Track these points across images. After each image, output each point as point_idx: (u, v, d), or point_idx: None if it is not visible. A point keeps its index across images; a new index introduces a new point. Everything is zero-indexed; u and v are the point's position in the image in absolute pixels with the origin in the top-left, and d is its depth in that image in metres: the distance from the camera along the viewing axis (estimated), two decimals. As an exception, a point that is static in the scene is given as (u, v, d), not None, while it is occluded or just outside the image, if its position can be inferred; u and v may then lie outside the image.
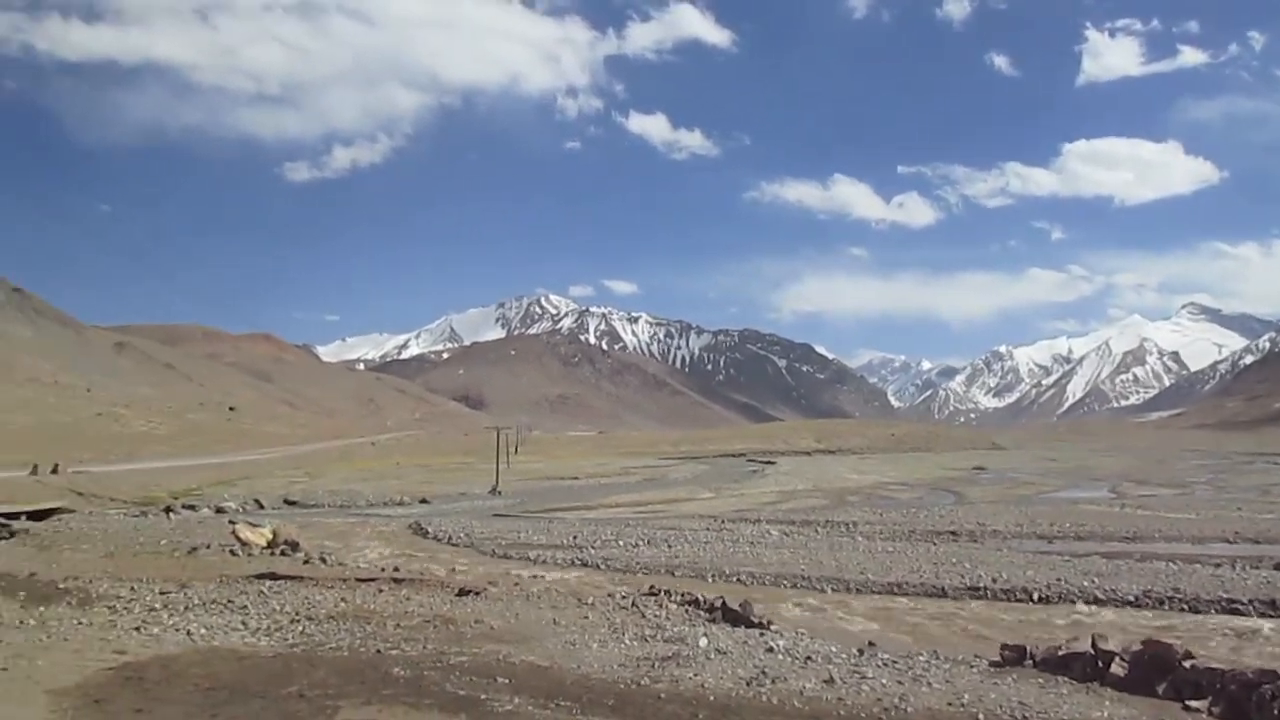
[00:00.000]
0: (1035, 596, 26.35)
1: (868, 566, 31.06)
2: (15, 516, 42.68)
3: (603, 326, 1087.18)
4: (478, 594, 22.71)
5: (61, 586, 23.82)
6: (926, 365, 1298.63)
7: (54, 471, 62.01)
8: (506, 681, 14.60)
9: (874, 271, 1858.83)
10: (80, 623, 19.07)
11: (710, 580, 28.81)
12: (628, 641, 17.90)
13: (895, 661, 16.56)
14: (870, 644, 18.46)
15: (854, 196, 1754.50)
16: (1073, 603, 25.76)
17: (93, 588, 23.70)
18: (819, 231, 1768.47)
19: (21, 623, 18.75)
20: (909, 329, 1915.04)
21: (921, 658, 16.90)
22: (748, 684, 14.72)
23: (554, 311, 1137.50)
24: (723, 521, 46.45)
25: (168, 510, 51.03)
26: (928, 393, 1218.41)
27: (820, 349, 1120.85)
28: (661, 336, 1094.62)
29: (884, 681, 15.03)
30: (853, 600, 26.32)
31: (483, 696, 13.77)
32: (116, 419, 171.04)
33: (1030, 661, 16.02)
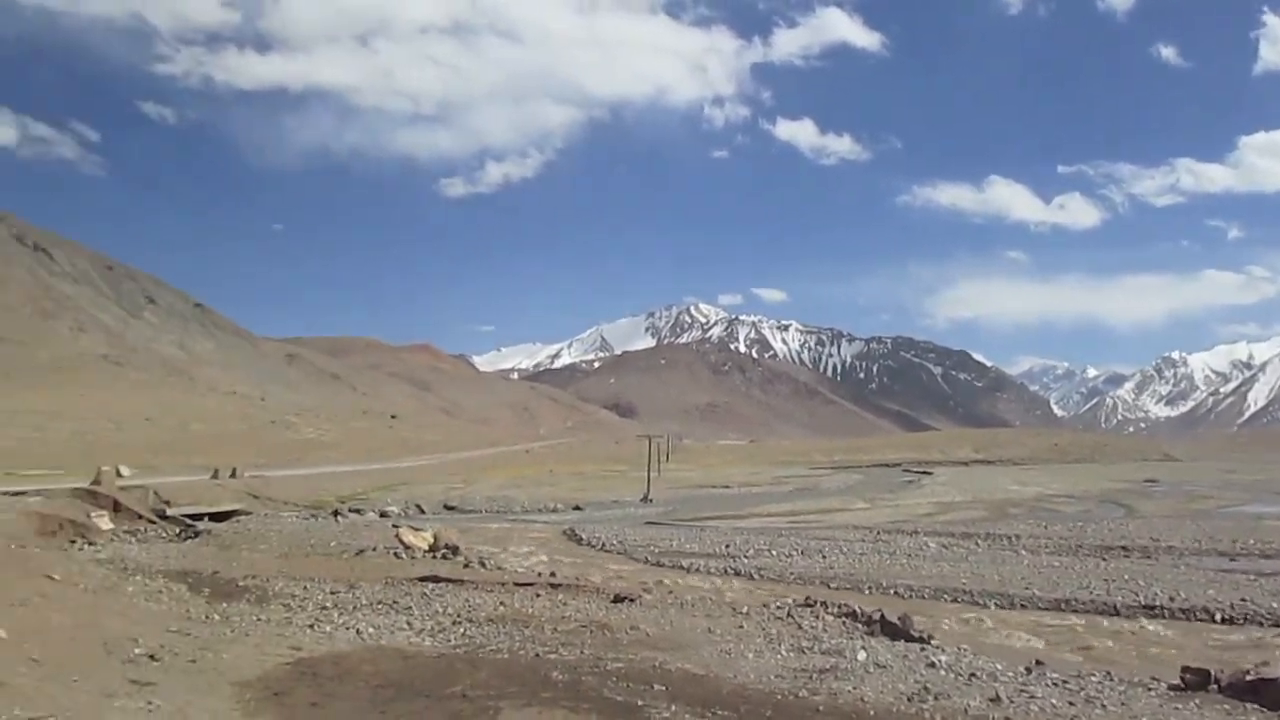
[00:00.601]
0: (1218, 617, 24.80)
1: (1032, 581, 29.87)
2: (199, 517, 45.38)
3: (753, 335, 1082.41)
4: (633, 600, 22.84)
5: (241, 584, 25.14)
6: (1092, 372, 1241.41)
7: (232, 475, 65.55)
8: (663, 689, 14.60)
9: (1033, 275, 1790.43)
10: (259, 619, 20.07)
11: (867, 592, 28.24)
12: (784, 652, 17.68)
13: (1065, 681, 15.82)
14: (1038, 662, 17.69)
15: (1011, 198, 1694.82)
16: (1260, 625, 24.14)
17: (269, 586, 24.93)
18: (974, 235, 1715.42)
19: (207, 618, 19.86)
20: (1072, 334, 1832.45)
21: (1094, 678, 16.10)
22: (909, 700, 14.31)
23: (703, 320, 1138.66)
24: (878, 533, 45.52)
25: (335, 514, 53.30)
26: (1093, 401, 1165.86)
27: (977, 356, 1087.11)
28: (812, 344, 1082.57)
29: (1054, 702, 14.38)
30: (1017, 616, 25.32)
31: (639, 703, 13.81)
32: (288, 426, 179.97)
33: (1215, 686, 15.02)
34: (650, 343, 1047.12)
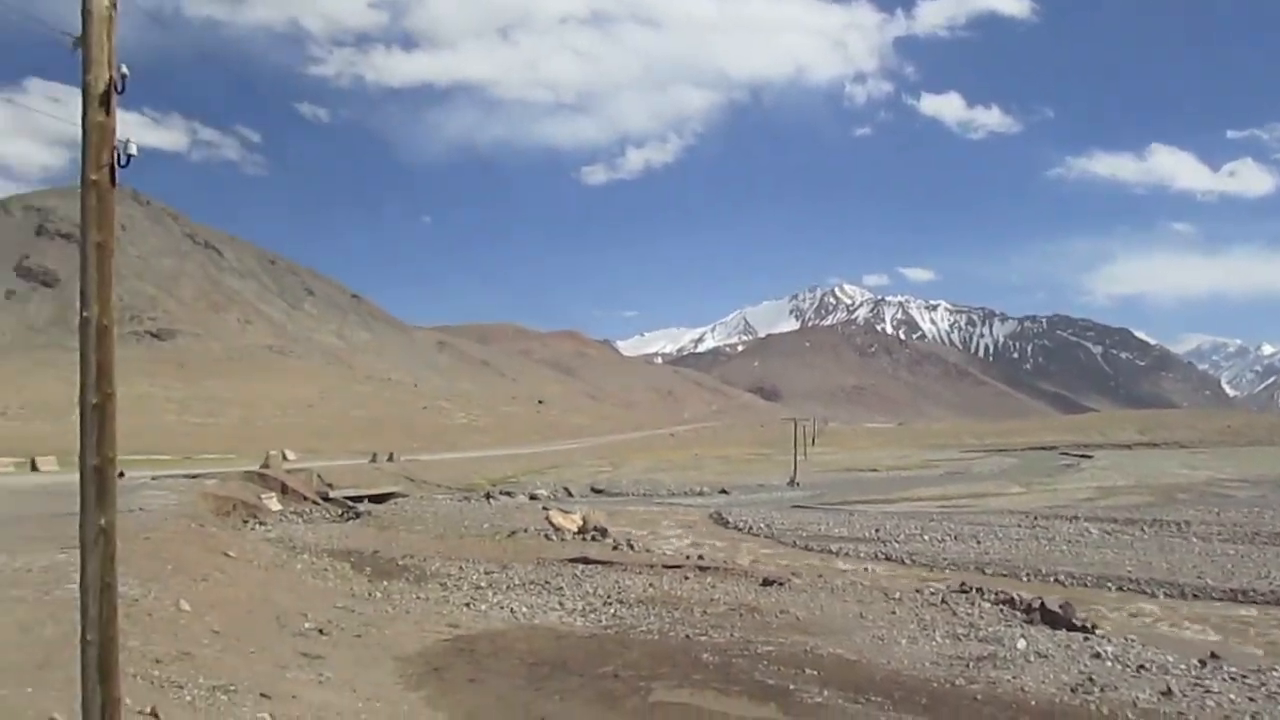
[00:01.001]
0: None
1: (1205, 570, 28.29)
2: (359, 499, 47.21)
3: (900, 315, 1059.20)
4: (781, 584, 22.69)
5: (400, 564, 26.07)
6: (1268, 350, 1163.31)
7: (390, 459, 68.01)
8: (814, 673, 14.46)
9: (1201, 248, 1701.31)
10: (418, 597, 20.77)
11: (1025, 579, 27.28)
12: (939, 639, 17.27)
13: (1245, 676, 14.95)
14: (1213, 655, 16.78)
15: (1175, 166, 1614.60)
16: None
17: (427, 565, 25.78)
18: (1135, 207, 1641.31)
19: (370, 595, 20.68)
20: (1245, 310, 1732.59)
21: (1276, 673, 15.17)
22: (1072, 691, 13.78)
23: (848, 302, 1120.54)
24: (1035, 518, 43.86)
25: (487, 496, 54.67)
26: (1270, 380, 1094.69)
27: (1140, 334, 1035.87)
28: (962, 324, 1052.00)
29: (1232, 697, 13.61)
30: (1188, 606, 24.04)
31: (791, 687, 13.71)
32: (440, 412, 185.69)
33: None
34: (794, 325, 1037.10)
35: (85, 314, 6.47)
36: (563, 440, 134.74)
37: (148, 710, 8.85)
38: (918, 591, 22.53)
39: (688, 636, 17.12)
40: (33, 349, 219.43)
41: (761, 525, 41.48)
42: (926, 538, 36.37)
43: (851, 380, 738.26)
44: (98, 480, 6.37)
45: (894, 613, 19.80)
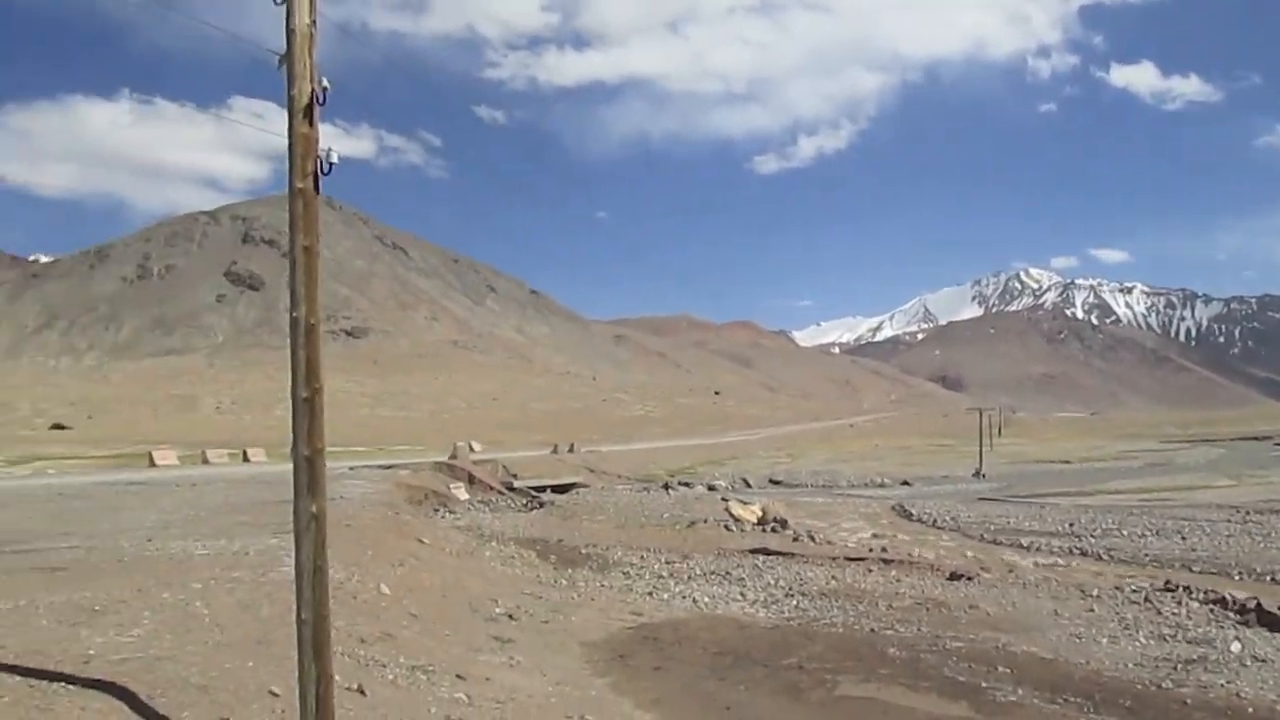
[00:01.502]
0: None
1: None
2: (543, 489, 48.52)
3: (1091, 299, 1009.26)
4: (970, 579, 22.00)
5: (584, 552, 26.64)
6: None
7: (570, 450, 69.56)
8: (1007, 671, 13.95)
9: None
10: (602, 585, 21.19)
11: (1237, 578, 25.50)
12: (1142, 639, 16.36)
13: None
14: None
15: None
16: None
17: (609, 554, 26.26)
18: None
19: (556, 582, 21.22)
20: None
21: None
22: (1298, 698, 12.81)
23: (1035, 286, 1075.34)
24: (1248, 513, 40.96)
25: (666, 487, 55.15)
26: None
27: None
28: (1160, 307, 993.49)
29: None
30: None
31: (983, 684, 13.28)
32: (618, 404, 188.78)
33: None
34: (977, 312, 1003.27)
35: (295, 314, 6.86)
36: (739, 431, 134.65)
37: (355, 687, 9.36)
38: (1117, 589, 21.40)
39: (873, 630, 16.82)
40: (241, 348, 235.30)
41: (946, 518, 40.35)
42: (1125, 533, 34.56)
43: (1039, 368, 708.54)
44: (309, 470, 6.77)
45: (1092, 610, 18.88)
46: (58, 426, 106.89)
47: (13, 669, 7.76)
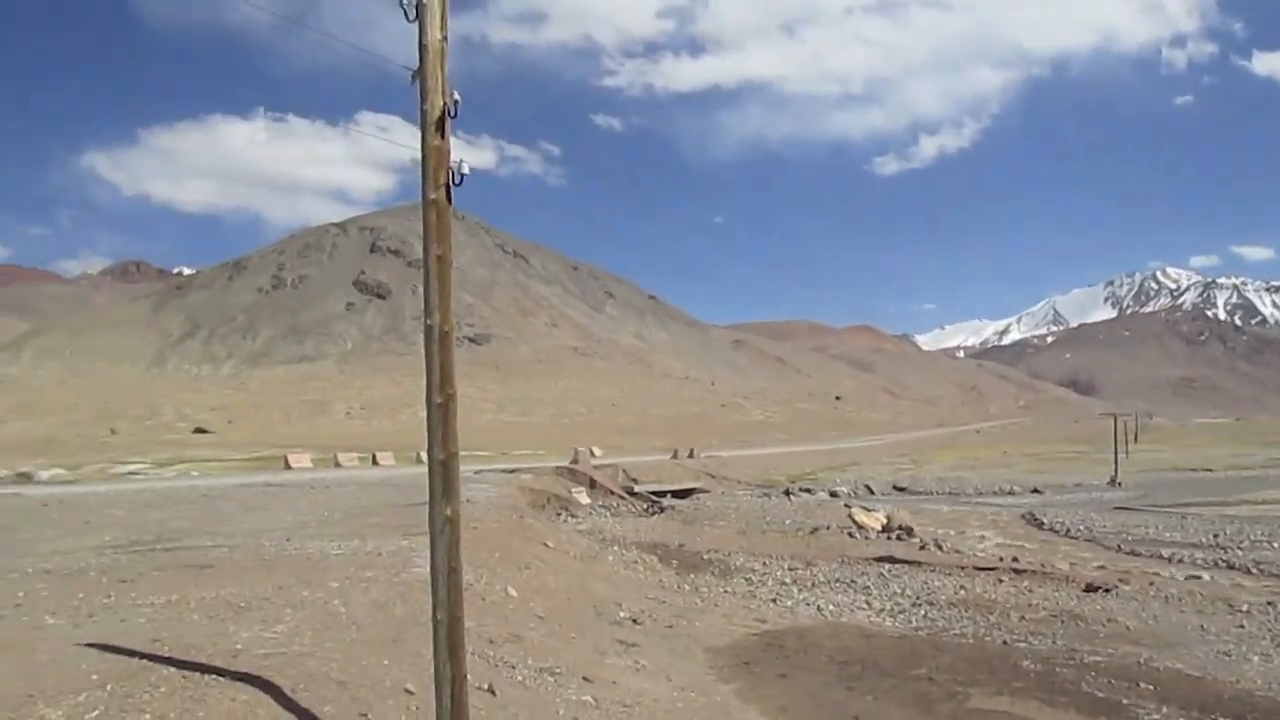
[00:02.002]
0: None
1: None
2: (663, 494, 48.64)
3: (1234, 299, 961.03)
4: (1107, 591, 21.18)
5: (706, 558, 26.61)
6: None
7: (690, 456, 69.53)
8: (1150, 688, 13.38)
9: None
10: (725, 591, 21.13)
11: (1402, 594, 23.92)
12: (1300, 658, 15.49)
13: None
14: None
15: None
16: None
17: (731, 560, 26.17)
18: None
19: (679, 587, 21.25)
20: None
21: None
22: None
23: (1172, 286, 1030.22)
24: None
25: (787, 493, 54.70)
26: None
27: None
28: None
29: None
30: None
31: (1124, 701, 12.77)
32: (737, 409, 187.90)
33: None
34: (1110, 313, 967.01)
35: (429, 321, 7.02)
36: (861, 437, 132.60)
37: (485, 686, 9.53)
38: (1269, 604, 20.29)
39: (1005, 642, 16.34)
40: (369, 355, 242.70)
41: (1080, 527, 38.95)
42: (1277, 545, 32.77)
43: (1178, 372, 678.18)
44: (443, 473, 6.92)
45: (1241, 626, 17.96)
46: (200, 430, 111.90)
47: (169, 661, 8.16)
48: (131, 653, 8.43)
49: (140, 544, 17.09)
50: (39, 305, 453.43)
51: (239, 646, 8.93)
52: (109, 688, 7.27)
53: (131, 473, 49.40)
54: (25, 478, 43.00)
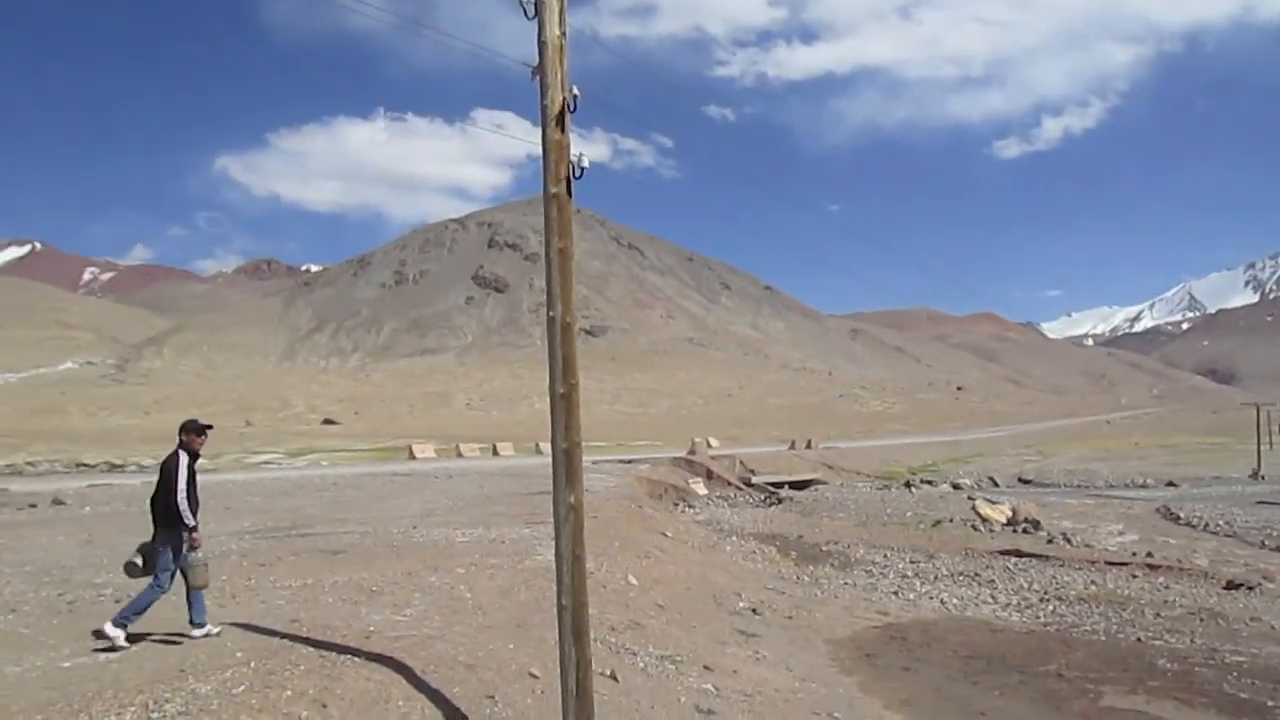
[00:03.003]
0: None
1: None
2: (780, 485, 48.34)
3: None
4: (1250, 588, 20.23)
5: (825, 549, 26.37)
6: None
7: (808, 446, 68.91)
8: (1298, 690, 12.75)
9: None
10: (845, 583, 20.91)
11: None
12: None
13: None
14: None
15: None
16: None
17: (850, 552, 25.87)
18: None
19: (798, 578, 21.13)
20: None
21: None
22: None
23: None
24: None
25: (908, 484, 53.70)
26: None
27: None
28: None
29: None
30: None
31: (1269, 703, 12.21)
32: (855, 399, 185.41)
33: None
34: (1252, 298, 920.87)
35: (551, 313, 7.16)
36: (984, 428, 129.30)
37: (608, 673, 9.66)
38: None
39: (1139, 640, 15.78)
40: (489, 348, 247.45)
41: (1220, 522, 37.23)
42: None
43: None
44: (567, 462, 7.05)
45: (1397, 628, 16.97)
46: (328, 421, 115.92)
47: (306, 640, 8.52)
48: (272, 632, 8.83)
49: (277, 530, 17.82)
50: (179, 303, 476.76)
51: (371, 628, 9.26)
52: (252, 665, 7.64)
53: (266, 462, 51.46)
54: (169, 467, 45.24)
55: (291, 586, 11.59)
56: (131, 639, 8.42)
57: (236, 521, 19.63)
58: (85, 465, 44.65)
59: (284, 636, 8.67)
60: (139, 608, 8.45)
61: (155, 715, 6.41)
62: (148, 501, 8.87)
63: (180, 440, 9.03)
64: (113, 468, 43.44)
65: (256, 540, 16.19)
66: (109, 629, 8.36)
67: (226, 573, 12.45)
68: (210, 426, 9.43)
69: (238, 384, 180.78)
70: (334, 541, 15.81)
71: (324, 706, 7.05)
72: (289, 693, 7.11)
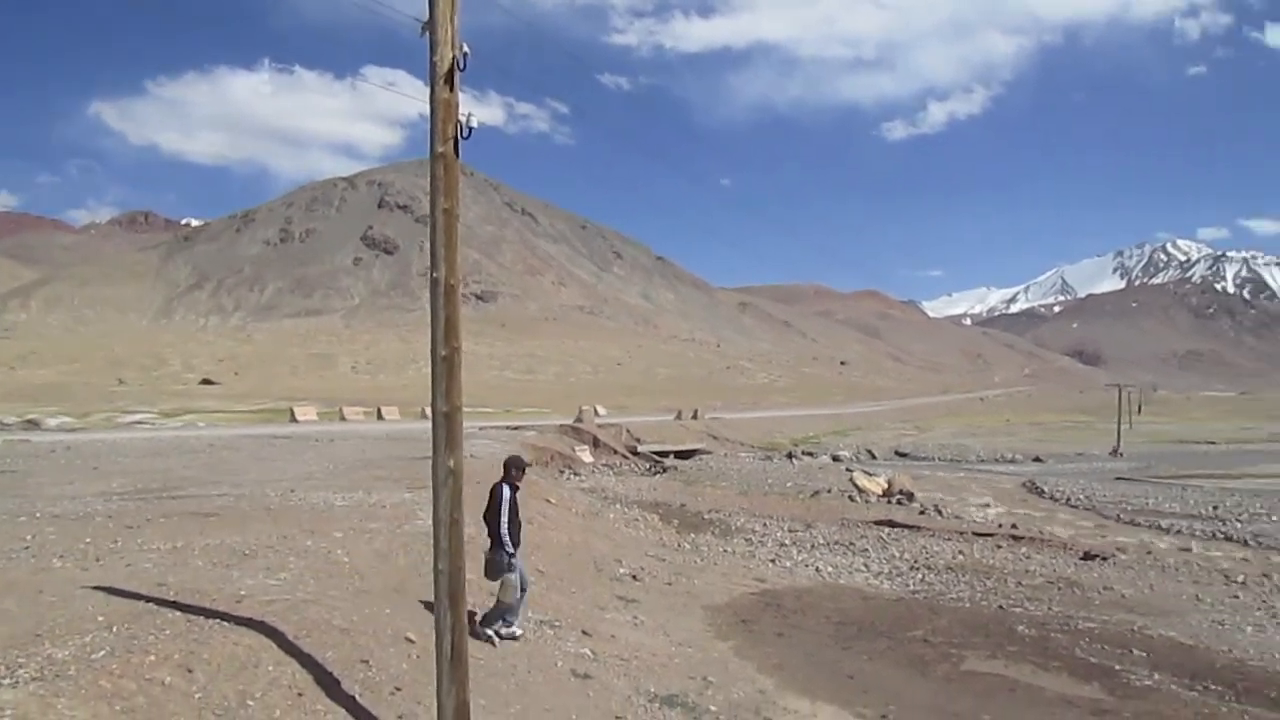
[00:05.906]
0: None
1: None
2: (666, 455, 48.86)
3: (1243, 273, 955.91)
4: (1105, 559, 21.34)
5: (706, 517, 26.80)
6: None
7: (694, 417, 69.70)
8: (1143, 654, 13.51)
9: None
10: (725, 550, 21.29)
11: (1399, 569, 24.03)
12: (1293, 629, 15.60)
13: None
14: None
15: None
16: None
17: (731, 521, 26.35)
18: None
19: (679, 546, 21.43)
20: None
21: None
22: None
23: (1181, 258, 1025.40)
24: None
25: (789, 456, 54.89)
26: None
27: None
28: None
29: None
30: None
31: (1116, 667, 12.89)
32: (742, 371, 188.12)
33: None
34: (1118, 284, 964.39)
35: (435, 274, 7.04)
36: (865, 402, 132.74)
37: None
38: (1265, 576, 20.44)
39: (1001, 607, 16.49)
40: (376, 310, 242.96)
41: (1080, 496, 39.08)
42: (1275, 518, 32.88)
43: (1185, 345, 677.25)
44: (447, 425, 6.98)
45: (1236, 597, 18.10)
46: (206, 382, 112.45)
47: (173, 605, 8.27)
48: (137, 596, 8.55)
49: (147, 491, 17.26)
50: (47, 254, 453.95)
51: (243, 593, 9.05)
52: (114, 629, 7.39)
53: (138, 422, 49.71)
54: (33, 425, 43.34)
55: (160, 549, 11.24)
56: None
57: (104, 482, 18.94)
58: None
59: (150, 600, 8.40)
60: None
61: (7, 681, 6.15)
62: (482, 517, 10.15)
63: (508, 473, 10.22)
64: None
65: (124, 502, 15.66)
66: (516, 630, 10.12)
67: (91, 535, 12.02)
68: (530, 464, 10.50)
69: (110, 340, 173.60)
70: (207, 504, 15.39)
71: (189, 671, 6.87)
72: (152, 657, 6.90)
